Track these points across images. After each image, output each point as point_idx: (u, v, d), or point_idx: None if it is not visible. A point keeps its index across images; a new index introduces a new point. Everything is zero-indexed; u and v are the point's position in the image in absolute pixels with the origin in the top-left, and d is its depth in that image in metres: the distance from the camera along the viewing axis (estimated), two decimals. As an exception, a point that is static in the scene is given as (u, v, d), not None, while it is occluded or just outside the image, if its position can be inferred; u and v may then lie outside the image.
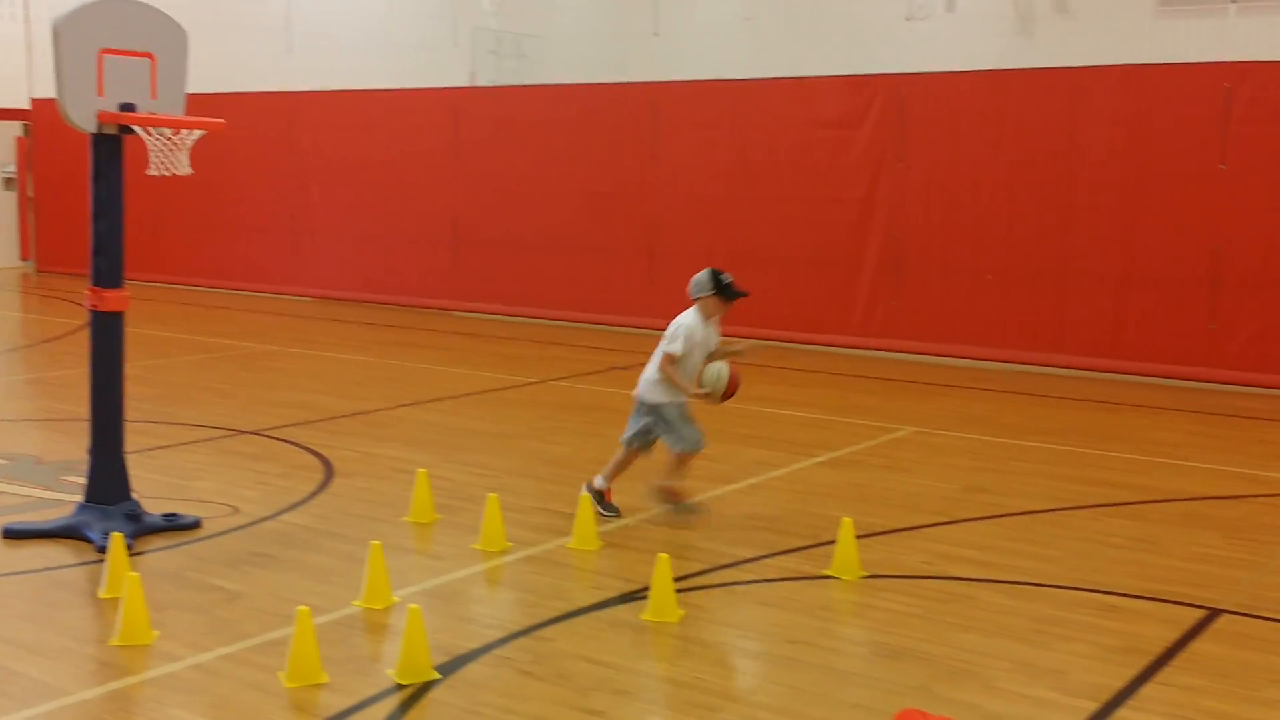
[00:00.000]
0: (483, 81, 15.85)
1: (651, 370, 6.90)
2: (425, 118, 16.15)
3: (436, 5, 16.47)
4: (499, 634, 5.23)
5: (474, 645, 5.08)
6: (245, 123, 17.80)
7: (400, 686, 4.63)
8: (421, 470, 6.93)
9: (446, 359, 12.62)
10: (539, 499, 7.30)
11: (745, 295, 6.91)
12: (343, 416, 9.57)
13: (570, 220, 15.09)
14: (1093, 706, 4.55)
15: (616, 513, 6.93)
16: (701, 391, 6.78)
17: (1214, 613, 5.54)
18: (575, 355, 12.99)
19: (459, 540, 6.48)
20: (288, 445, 8.53)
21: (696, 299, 6.91)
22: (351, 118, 16.83)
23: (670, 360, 6.81)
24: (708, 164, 14.14)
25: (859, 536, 6.24)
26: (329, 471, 7.82)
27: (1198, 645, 5.16)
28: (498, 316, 15.66)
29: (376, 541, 5.54)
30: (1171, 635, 5.26)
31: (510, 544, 6.36)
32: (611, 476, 7.00)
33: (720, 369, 6.81)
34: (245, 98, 17.54)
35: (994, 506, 7.29)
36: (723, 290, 6.86)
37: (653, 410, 6.88)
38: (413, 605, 4.77)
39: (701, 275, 6.94)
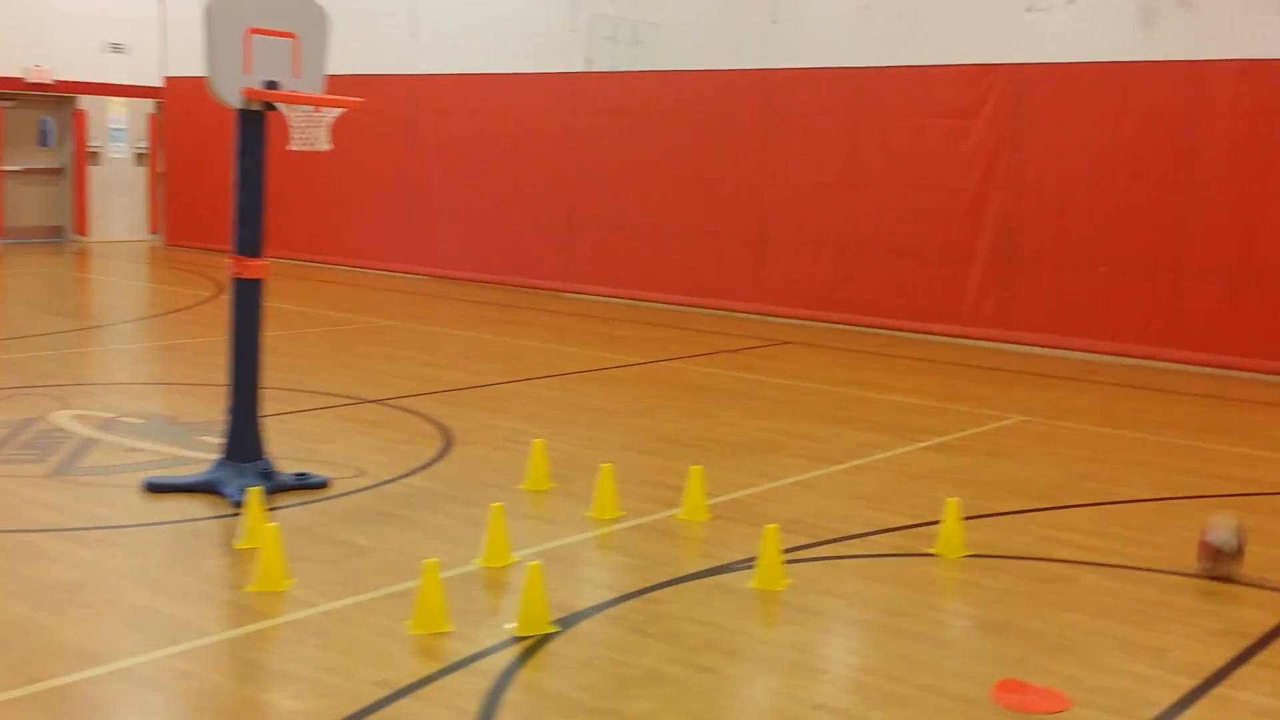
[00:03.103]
0: (600, 67, 16.11)
1: None
2: (542, 102, 16.46)
3: (556, -9, 16.80)
4: (612, 594, 5.47)
5: (588, 604, 5.32)
6: (370, 104, 18.31)
7: (519, 638, 4.90)
8: (538, 440, 7.20)
9: (558, 338, 12.93)
10: (649, 472, 7.52)
11: None
12: (460, 389, 9.91)
13: (681, 205, 15.28)
14: (1191, 683, 4.63)
15: None
16: None
17: (1320, 603, 5.55)
18: (683, 338, 13.20)
19: (573, 508, 6.73)
20: (409, 414, 8.88)
21: None
22: (471, 102, 17.21)
23: None
24: (820, 152, 14.21)
25: (963, 518, 6.35)
26: (448, 440, 8.14)
27: (1302, 633, 5.20)
28: (607, 299, 15.92)
29: (498, 503, 5.81)
30: (1272, 621, 5.29)
31: (623, 512, 6.60)
32: None
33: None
34: (371, 80, 18.03)
35: (1099, 494, 7.33)
36: None
37: None
38: (533, 563, 5.02)
39: None
